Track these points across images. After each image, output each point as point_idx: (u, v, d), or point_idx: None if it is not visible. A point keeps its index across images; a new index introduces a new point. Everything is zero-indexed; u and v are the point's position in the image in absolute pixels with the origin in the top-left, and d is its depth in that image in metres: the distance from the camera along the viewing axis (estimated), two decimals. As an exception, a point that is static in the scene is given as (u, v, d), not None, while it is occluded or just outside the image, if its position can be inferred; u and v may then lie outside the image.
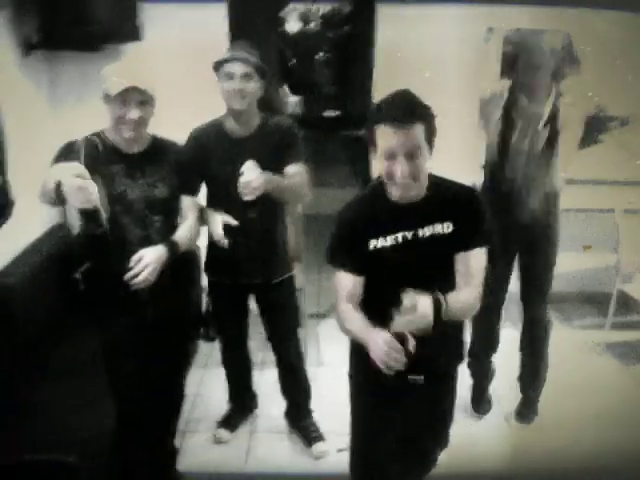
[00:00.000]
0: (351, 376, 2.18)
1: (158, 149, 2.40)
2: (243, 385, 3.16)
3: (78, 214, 2.11)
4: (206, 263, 2.76)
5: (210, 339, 2.89)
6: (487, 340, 3.19)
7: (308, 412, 3.09)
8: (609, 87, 3.98)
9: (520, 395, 3.19)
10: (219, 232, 2.56)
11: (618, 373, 3.62)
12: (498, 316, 3.15)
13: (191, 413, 3.20)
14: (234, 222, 2.57)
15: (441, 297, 1.72)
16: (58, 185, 2.00)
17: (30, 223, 3.10)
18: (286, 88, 6.24)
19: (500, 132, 2.90)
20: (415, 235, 1.87)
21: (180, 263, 2.35)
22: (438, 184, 1.90)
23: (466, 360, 3.12)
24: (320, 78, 6.70)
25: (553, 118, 2.84)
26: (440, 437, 2.24)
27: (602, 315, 3.93)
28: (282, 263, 2.83)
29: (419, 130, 1.75)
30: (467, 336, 2.19)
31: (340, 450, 2.70)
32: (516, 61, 2.87)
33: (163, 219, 2.37)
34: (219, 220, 2.58)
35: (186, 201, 2.47)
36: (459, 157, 2.80)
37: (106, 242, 2.15)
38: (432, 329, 1.68)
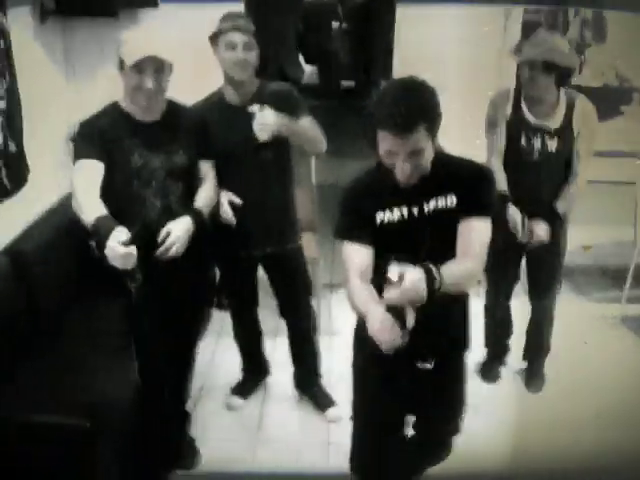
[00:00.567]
0: (355, 365, 2.15)
1: (175, 115, 2.37)
2: (255, 353, 3.19)
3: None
4: (215, 235, 2.70)
5: (223, 307, 2.93)
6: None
7: (318, 377, 3.12)
8: (633, 58, 3.92)
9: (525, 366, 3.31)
10: (226, 211, 2.57)
11: (634, 346, 3.60)
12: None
13: (205, 380, 3.22)
14: (238, 200, 2.58)
15: (433, 267, 1.67)
16: (98, 241, 2.01)
17: (46, 190, 3.13)
18: (301, 58, 6.18)
19: (506, 142, 2.87)
20: (421, 210, 1.86)
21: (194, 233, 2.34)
22: (443, 160, 1.86)
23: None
24: (337, 48, 6.61)
25: (564, 130, 2.79)
26: (450, 425, 2.22)
27: (618, 288, 3.89)
28: (291, 231, 2.83)
29: (422, 133, 1.70)
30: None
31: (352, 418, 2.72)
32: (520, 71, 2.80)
33: (183, 187, 2.36)
34: (225, 199, 2.58)
35: (204, 166, 2.46)
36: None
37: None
38: (427, 299, 1.63)
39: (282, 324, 3.02)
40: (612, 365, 3.33)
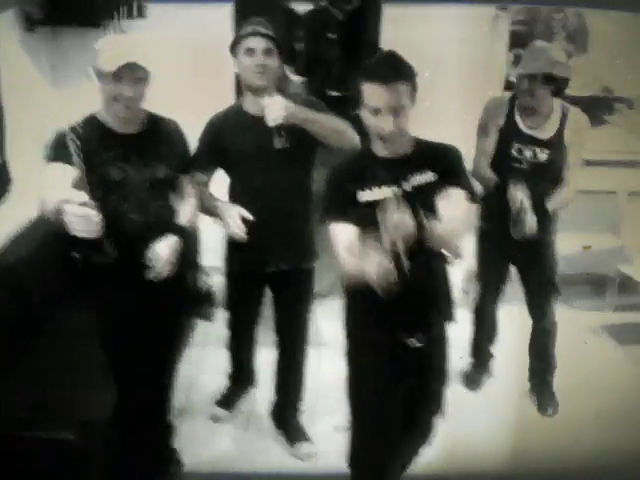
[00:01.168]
0: (349, 336, 2.19)
1: (155, 127, 2.32)
2: (246, 366, 3.12)
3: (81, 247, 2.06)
4: (227, 254, 2.71)
5: (208, 318, 2.90)
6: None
7: (297, 412, 2.99)
8: (615, 69, 3.97)
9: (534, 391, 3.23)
10: (237, 226, 2.46)
11: (615, 354, 3.64)
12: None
13: (189, 391, 3.20)
14: (249, 216, 2.48)
15: (426, 217, 1.81)
16: (58, 211, 1.92)
17: (29, 201, 3.10)
18: (289, 68, 6.20)
19: (497, 148, 2.90)
20: (400, 188, 1.95)
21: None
22: (421, 142, 2.03)
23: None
24: (327, 58, 6.63)
25: (555, 140, 2.82)
26: (434, 401, 2.26)
27: (602, 297, 3.94)
28: (309, 249, 2.72)
29: (403, 88, 1.87)
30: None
31: (337, 428, 2.71)
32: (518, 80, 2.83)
33: (164, 202, 2.32)
34: (236, 214, 2.48)
35: (184, 181, 2.40)
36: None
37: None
38: (419, 234, 1.77)
39: (269, 335, 2.92)
40: (597, 374, 3.35)
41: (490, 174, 2.90)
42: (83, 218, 1.89)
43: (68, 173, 2.13)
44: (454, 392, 2.90)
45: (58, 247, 2.23)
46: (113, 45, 2.20)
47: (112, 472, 2.38)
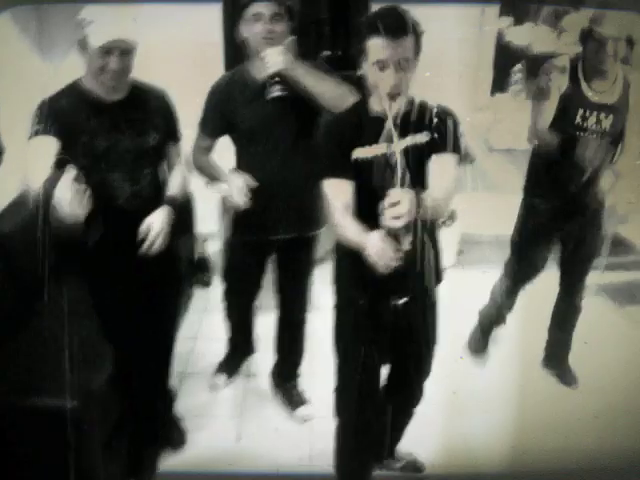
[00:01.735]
0: (336, 306, 2.23)
1: (142, 94, 2.28)
2: (245, 333, 3.12)
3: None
4: (230, 223, 2.70)
5: (206, 284, 2.91)
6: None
7: (297, 374, 3.05)
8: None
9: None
10: (241, 195, 2.41)
11: (612, 314, 3.67)
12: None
13: (189, 357, 3.24)
14: (253, 184, 2.44)
15: (419, 192, 1.80)
16: (46, 192, 1.89)
17: (19, 172, 3.08)
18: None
19: (557, 115, 2.73)
20: (396, 147, 1.93)
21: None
22: (420, 103, 2.01)
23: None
24: (316, 16, 6.52)
25: (619, 106, 2.72)
26: (423, 362, 2.31)
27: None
28: (315, 217, 2.69)
29: (409, 42, 1.86)
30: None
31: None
32: (586, 38, 2.68)
33: (153, 170, 2.30)
34: (242, 183, 2.43)
35: (173, 150, 2.38)
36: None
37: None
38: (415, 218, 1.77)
39: (269, 300, 2.94)
40: (590, 333, 3.35)
41: (553, 134, 2.74)
42: (73, 199, 1.87)
43: (51, 146, 2.09)
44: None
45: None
46: (100, 16, 2.13)
47: (114, 439, 2.42)
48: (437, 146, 1.98)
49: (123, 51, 2.10)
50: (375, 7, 3.62)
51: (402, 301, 2.12)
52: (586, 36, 2.67)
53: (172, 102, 2.38)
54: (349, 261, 2.07)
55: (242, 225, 2.63)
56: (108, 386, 2.37)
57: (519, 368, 3.31)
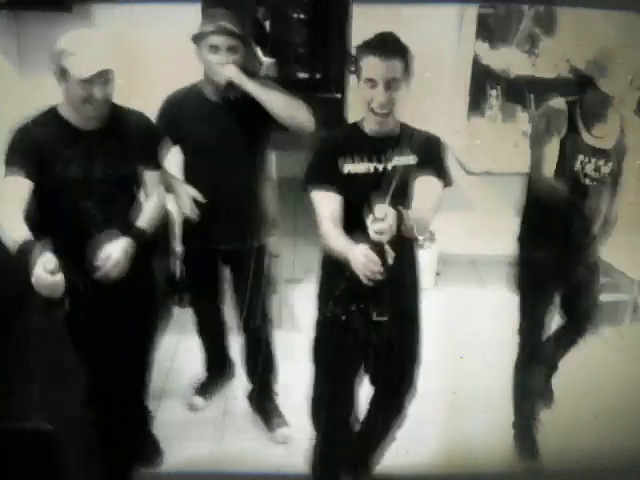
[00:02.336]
0: (318, 322, 2.26)
1: (120, 120, 2.25)
2: (218, 353, 3.15)
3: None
4: (182, 233, 2.74)
5: (183, 305, 2.89)
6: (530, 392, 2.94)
7: (272, 392, 3.02)
8: (584, 50, 4.00)
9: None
10: (189, 207, 2.57)
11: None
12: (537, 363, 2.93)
13: (167, 379, 3.20)
14: (200, 197, 2.58)
15: (403, 210, 1.88)
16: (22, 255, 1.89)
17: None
18: (259, 50, 6.15)
19: (562, 153, 2.56)
20: (385, 166, 2.06)
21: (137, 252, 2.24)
22: (408, 127, 2.14)
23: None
24: (295, 39, 6.58)
25: (617, 149, 2.60)
26: (406, 379, 2.32)
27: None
28: (260, 228, 2.78)
29: (399, 64, 1.99)
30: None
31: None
32: (585, 86, 2.52)
33: (126, 200, 2.27)
34: (188, 195, 2.58)
35: (150, 177, 2.34)
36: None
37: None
38: (397, 234, 1.84)
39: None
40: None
41: (559, 183, 2.55)
42: (51, 285, 1.85)
43: (24, 189, 2.07)
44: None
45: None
46: (82, 47, 2.09)
47: (89, 459, 2.38)
48: (424, 168, 2.06)
49: (106, 80, 2.09)
50: (354, 31, 3.83)
51: (383, 318, 2.15)
52: (585, 83, 2.52)
53: (152, 126, 2.39)
54: (333, 276, 2.14)
55: (189, 235, 2.71)
56: (82, 407, 2.34)
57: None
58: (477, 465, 2.74)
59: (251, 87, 2.49)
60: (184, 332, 3.39)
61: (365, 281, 1.84)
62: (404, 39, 2.03)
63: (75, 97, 2.10)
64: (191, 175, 2.67)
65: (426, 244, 3.83)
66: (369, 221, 1.80)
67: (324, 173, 2.08)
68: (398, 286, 2.13)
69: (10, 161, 2.10)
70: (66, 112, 2.18)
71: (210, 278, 2.90)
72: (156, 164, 2.39)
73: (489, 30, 4.12)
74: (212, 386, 3.18)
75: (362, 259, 1.82)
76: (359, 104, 2.08)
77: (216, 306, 3.00)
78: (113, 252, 2.14)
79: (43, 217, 2.08)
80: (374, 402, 2.40)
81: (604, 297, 3.84)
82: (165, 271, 2.71)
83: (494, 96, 4.18)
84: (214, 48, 2.47)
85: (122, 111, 2.28)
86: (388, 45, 2.01)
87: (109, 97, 2.15)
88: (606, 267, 3.34)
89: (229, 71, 2.48)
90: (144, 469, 2.65)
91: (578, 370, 3.27)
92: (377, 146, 2.08)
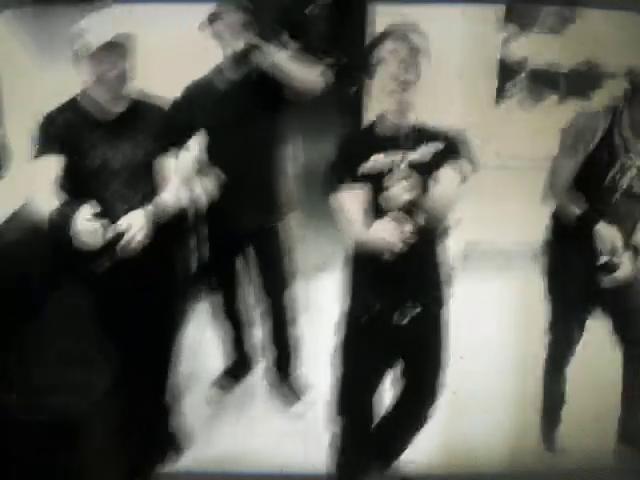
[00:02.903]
0: (348, 322, 2.27)
1: (138, 110, 2.27)
2: (238, 343, 3.16)
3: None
4: (205, 218, 2.80)
5: (212, 287, 2.92)
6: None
7: (293, 369, 3.09)
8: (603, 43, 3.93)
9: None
10: (212, 188, 2.63)
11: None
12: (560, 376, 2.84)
13: (189, 371, 3.18)
14: (222, 176, 2.64)
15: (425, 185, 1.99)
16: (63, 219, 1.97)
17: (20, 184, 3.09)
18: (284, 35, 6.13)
19: (591, 166, 2.42)
20: (404, 159, 2.08)
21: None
22: (424, 123, 2.14)
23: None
24: (313, 31, 6.56)
25: None
26: (425, 390, 2.33)
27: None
28: (278, 204, 2.86)
29: (417, 45, 2.03)
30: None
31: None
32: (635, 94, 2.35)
33: (146, 188, 2.27)
34: (213, 176, 2.65)
35: (168, 164, 2.34)
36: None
37: None
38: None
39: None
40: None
41: (574, 203, 2.45)
42: (92, 231, 1.92)
43: (54, 165, 2.14)
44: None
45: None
46: (94, 25, 2.13)
47: (108, 455, 2.41)
48: (444, 158, 2.09)
49: (118, 56, 2.10)
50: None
51: (403, 321, 2.16)
52: (635, 90, 2.35)
53: (172, 116, 2.41)
54: (361, 272, 2.17)
55: (214, 217, 2.76)
56: (108, 393, 2.36)
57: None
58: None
59: (267, 49, 2.55)
60: (209, 324, 3.44)
61: (392, 252, 1.89)
62: (428, 30, 2.05)
63: (91, 76, 2.12)
64: (215, 155, 2.73)
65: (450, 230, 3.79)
66: (391, 183, 1.92)
67: (345, 175, 2.09)
68: (423, 280, 2.17)
69: (40, 144, 2.17)
70: (85, 101, 2.21)
71: (231, 266, 2.94)
72: (175, 152, 2.39)
73: (516, 17, 4.04)
74: (232, 378, 3.20)
75: (384, 228, 1.92)
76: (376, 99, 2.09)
77: (237, 295, 3.03)
78: (135, 218, 2.12)
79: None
80: (399, 398, 2.39)
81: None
82: (191, 256, 2.74)
83: (519, 83, 4.13)
84: (230, 26, 2.54)
85: (142, 102, 2.31)
86: (404, 30, 2.05)
87: (123, 77, 2.15)
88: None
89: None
90: (164, 461, 2.68)
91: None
92: (397, 141, 2.09)
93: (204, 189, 2.69)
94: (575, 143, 2.42)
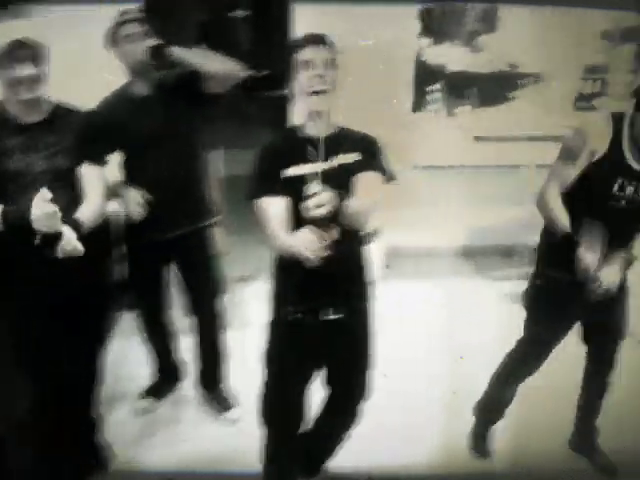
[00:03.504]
0: (271, 322, 2.27)
1: (61, 116, 2.25)
2: (165, 355, 3.12)
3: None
4: (126, 232, 2.72)
5: (132, 307, 2.86)
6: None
7: (220, 378, 3.06)
8: (522, 44, 4.11)
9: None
10: (134, 209, 2.57)
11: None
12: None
13: (116, 383, 3.13)
14: (146, 197, 2.59)
15: (342, 194, 1.97)
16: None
17: None
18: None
19: (592, 183, 2.37)
20: (325, 166, 2.09)
21: (90, 233, 2.24)
22: (345, 128, 2.20)
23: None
24: (237, 37, 6.55)
25: None
26: (355, 386, 2.34)
27: (515, 267, 4.05)
28: (202, 209, 2.84)
29: (332, 50, 2.09)
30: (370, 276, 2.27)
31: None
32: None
33: (67, 195, 2.23)
34: (136, 197, 2.58)
35: (91, 171, 2.32)
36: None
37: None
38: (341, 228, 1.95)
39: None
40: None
41: (560, 212, 2.40)
42: (51, 214, 1.93)
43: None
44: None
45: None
46: (9, 28, 2.17)
47: (33, 471, 2.34)
48: (363, 166, 2.12)
49: (33, 56, 2.09)
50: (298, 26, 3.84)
51: (336, 317, 2.17)
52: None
53: (93, 124, 2.37)
54: (285, 277, 2.17)
55: (137, 231, 2.69)
56: (30, 414, 2.29)
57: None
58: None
59: (177, 51, 2.55)
60: (134, 336, 3.38)
61: (310, 263, 1.90)
62: (350, 34, 2.06)
63: (5, 81, 2.10)
64: (133, 173, 2.68)
65: (372, 238, 3.86)
66: (307, 197, 1.91)
67: (267, 182, 2.10)
68: (348, 282, 2.19)
69: None
70: (5, 105, 2.19)
71: (156, 278, 2.89)
72: (98, 158, 2.37)
73: (433, 26, 4.17)
74: (161, 389, 3.15)
75: (305, 238, 1.91)
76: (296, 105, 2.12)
77: (163, 307, 2.99)
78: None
79: None
80: (327, 402, 2.41)
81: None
82: (107, 274, 2.67)
83: (436, 91, 4.25)
84: (129, 37, 2.52)
85: (65, 108, 2.29)
86: (316, 36, 2.09)
87: (40, 78, 2.14)
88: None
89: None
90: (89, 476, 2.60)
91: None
92: (317, 147, 2.12)
93: (126, 207, 2.62)
94: (580, 146, 2.36)
